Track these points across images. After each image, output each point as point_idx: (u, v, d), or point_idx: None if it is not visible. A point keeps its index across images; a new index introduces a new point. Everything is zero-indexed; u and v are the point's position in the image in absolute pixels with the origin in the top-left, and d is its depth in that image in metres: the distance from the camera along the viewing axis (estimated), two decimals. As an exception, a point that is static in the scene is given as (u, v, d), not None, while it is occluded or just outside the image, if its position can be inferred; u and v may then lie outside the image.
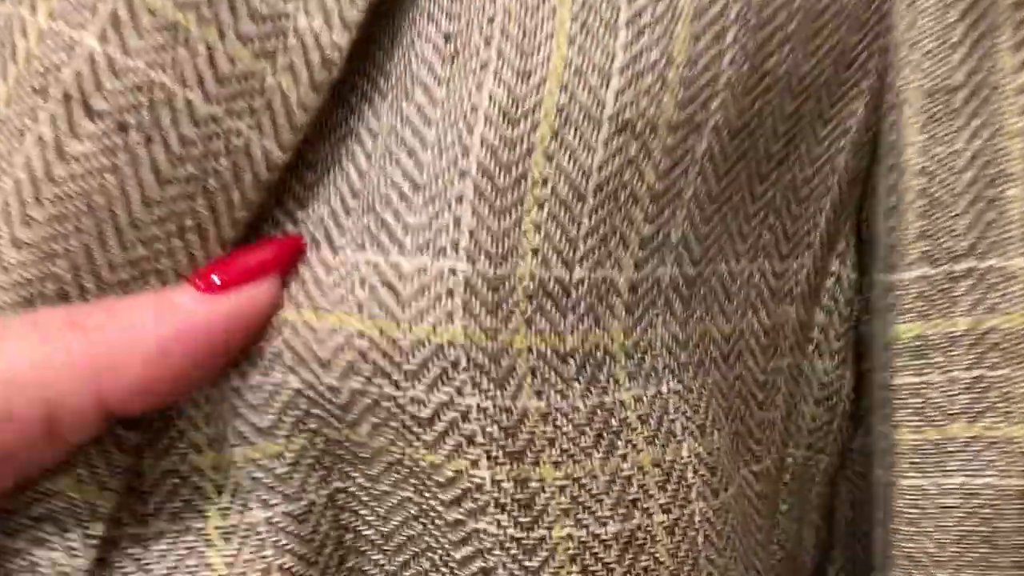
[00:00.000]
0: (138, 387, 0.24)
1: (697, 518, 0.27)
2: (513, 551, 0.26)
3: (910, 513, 0.29)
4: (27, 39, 0.22)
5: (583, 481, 0.26)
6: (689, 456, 0.27)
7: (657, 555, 0.26)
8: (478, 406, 0.25)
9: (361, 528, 0.28)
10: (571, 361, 0.26)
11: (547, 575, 0.26)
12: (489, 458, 0.25)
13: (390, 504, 0.28)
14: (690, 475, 0.27)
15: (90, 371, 0.23)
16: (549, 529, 0.26)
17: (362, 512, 0.28)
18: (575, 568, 0.26)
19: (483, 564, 0.26)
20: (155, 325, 0.24)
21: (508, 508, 0.26)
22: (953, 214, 0.27)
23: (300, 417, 0.26)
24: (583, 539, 0.26)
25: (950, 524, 0.28)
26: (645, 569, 0.26)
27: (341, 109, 0.27)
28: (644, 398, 0.27)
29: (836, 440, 0.32)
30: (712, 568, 0.27)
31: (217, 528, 0.26)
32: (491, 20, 0.25)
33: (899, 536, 0.29)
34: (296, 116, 0.25)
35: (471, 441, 0.25)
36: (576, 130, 0.25)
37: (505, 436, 0.25)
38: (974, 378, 0.27)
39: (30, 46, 0.22)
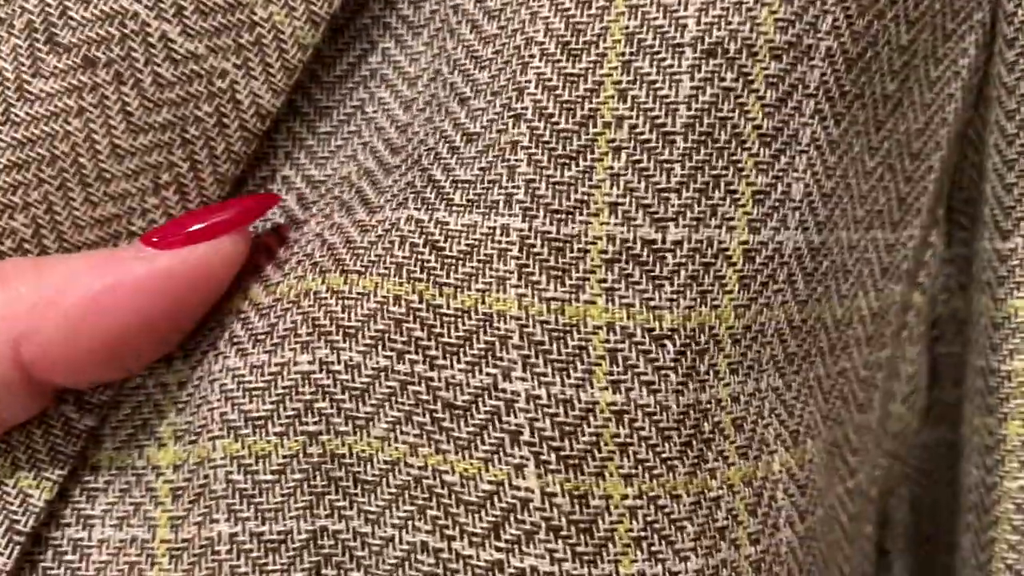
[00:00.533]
0: (61, 349, 0.21)
1: (784, 549, 0.22)
2: None
3: (1017, 519, 0.25)
4: None
5: (661, 502, 0.21)
6: (780, 471, 0.22)
7: None
8: (528, 393, 0.20)
9: None
10: (668, 345, 0.21)
11: None
12: (539, 463, 0.21)
13: (395, 559, 0.22)
14: (780, 496, 0.22)
15: (4, 329, 0.21)
16: (616, 564, 0.21)
17: (351, 571, 0.22)
18: None
19: None
20: (87, 280, 0.22)
21: (564, 534, 0.21)
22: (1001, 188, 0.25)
23: (302, 410, 0.21)
24: None
25: None
26: None
27: (360, 47, 0.24)
28: (742, 397, 0.22)
29: (907, 441, 0.28)
30: None
31: (165, 543, 0.22)
32: None
33: (1001, 545, 0.25)
34: (290, 54, 0.22)
35: (516, 439, 0.20)
36: (653, 58, 0.21)
37: (562, 436, 0.21)
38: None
39: None
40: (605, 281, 0.21)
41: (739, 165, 0.21)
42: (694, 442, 0.21)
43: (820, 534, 0.24)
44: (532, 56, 0.22)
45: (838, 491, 0.25)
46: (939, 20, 0.24)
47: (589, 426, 0.21)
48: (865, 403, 0.26)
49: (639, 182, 0.21)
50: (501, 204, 0.21)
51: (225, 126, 0.22)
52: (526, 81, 0.22)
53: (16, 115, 0.21)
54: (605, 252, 0.21)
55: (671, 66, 0.21)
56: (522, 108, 0.22)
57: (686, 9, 0.21)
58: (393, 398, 0.22)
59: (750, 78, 0.21)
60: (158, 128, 0.22)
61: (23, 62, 0.21)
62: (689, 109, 0.21)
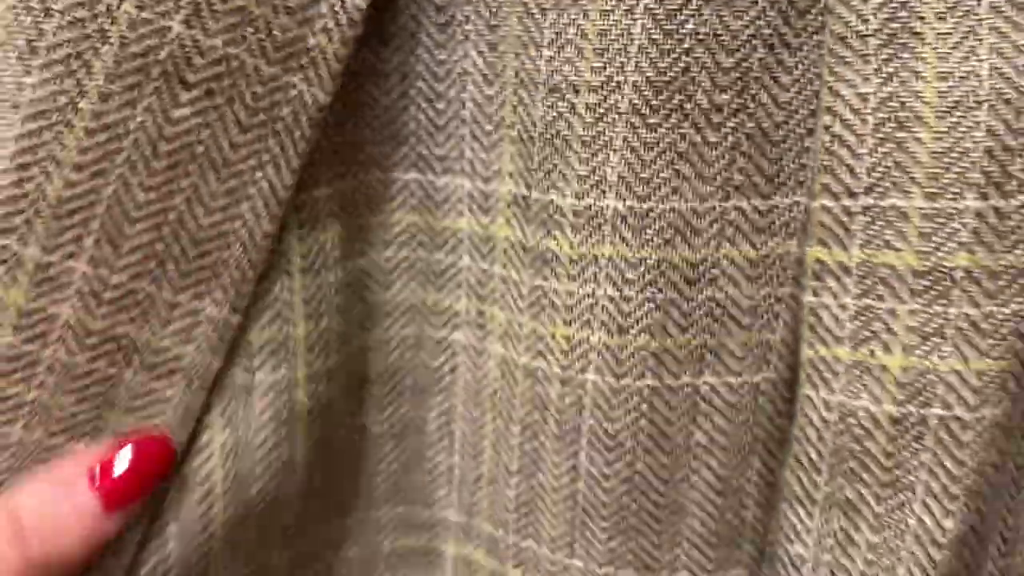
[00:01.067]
0: None
1: None
2: None
3: (802, 420, 0.30)
4: (118, 25, 0.26)
5: None
6: None
7: None
8: None
9: None
10: None
11: None
12: None
13: None
14: None
15: None
16: None
17: None
18: None
19: None
20: None
21: None
22: (857, 153, 0.27)
23: None
24: None
25: (828, 438, 0.29)
26: None
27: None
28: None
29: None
30: None
31: None
32: None
33: (795, 435, 0.30)
34: (333, 67, 0.28)
35: None
36: None
37: None
38: (862, 307, 0.28)
39: (123, 31, 0.26)
40: None
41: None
42: None
43: None
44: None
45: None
46: (773, 39, 0.28)
47: None
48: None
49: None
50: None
51: (299, 121, 0.28)
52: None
53: (167, 134, 0.26)
54: None
55: None
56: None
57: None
58: None
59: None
60: (258, 126, 0.27)
61: (164, 98, 0.26)
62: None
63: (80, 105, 0.25)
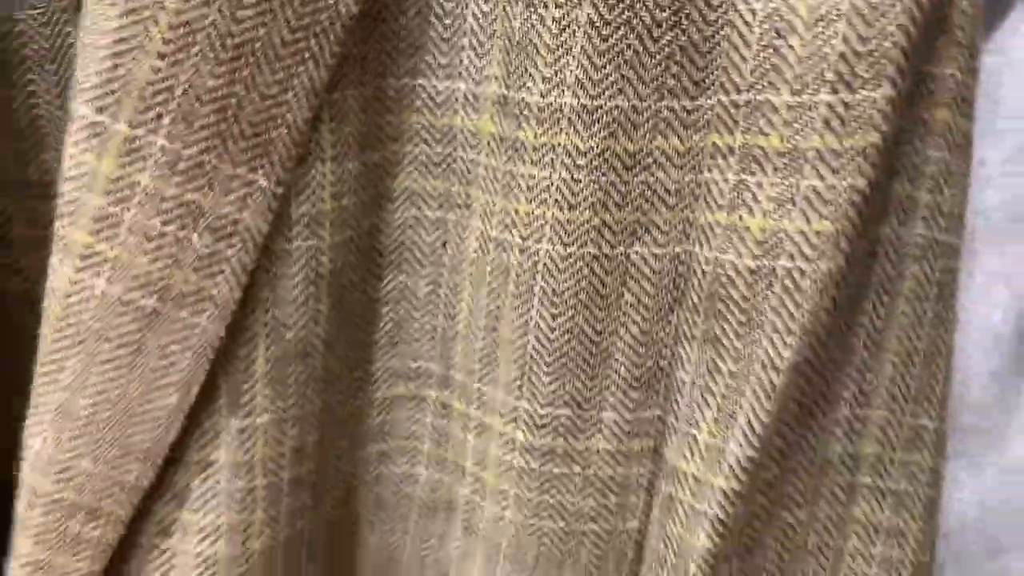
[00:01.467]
0: None
1: None
2: None
3: (689, 274, 0.36)
4: None
5: None
6: None
7: None
8: None
9: None
10: None
11: None
12: None
13: None
14: None
15: None
16: None
17: None
18: None
19: None
20: None
21: None
22: (744, 57, 0.32)
23: None
24: None
25: (705, 286, 0.34)
26: None
27: None
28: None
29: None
30: None
31: None
32: None
33: (685, 287, 0.36)
34: None
35: None
36: None
37: None
38: (738, 181, 0.33)
39: None
40: None
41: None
42: None
43: None
44: None
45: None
46: None
47: None
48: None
49: None
50: None
51: (334, 24, 0.33)
52: None
53: (231, 31, 0.31)
54: None
55: None
56: None
57: None
58: None
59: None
60: (302, 29, 0.32)
61: (232, 3, 0.31)
62: None
63: (165, 4, 0.31)
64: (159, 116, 0.32)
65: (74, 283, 0.33)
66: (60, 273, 0.33)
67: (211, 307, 0.33)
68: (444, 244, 0.39)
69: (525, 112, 0.35)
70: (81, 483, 0.34)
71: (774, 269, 0.32)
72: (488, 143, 0.37)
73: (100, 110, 0.31)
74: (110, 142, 0.31)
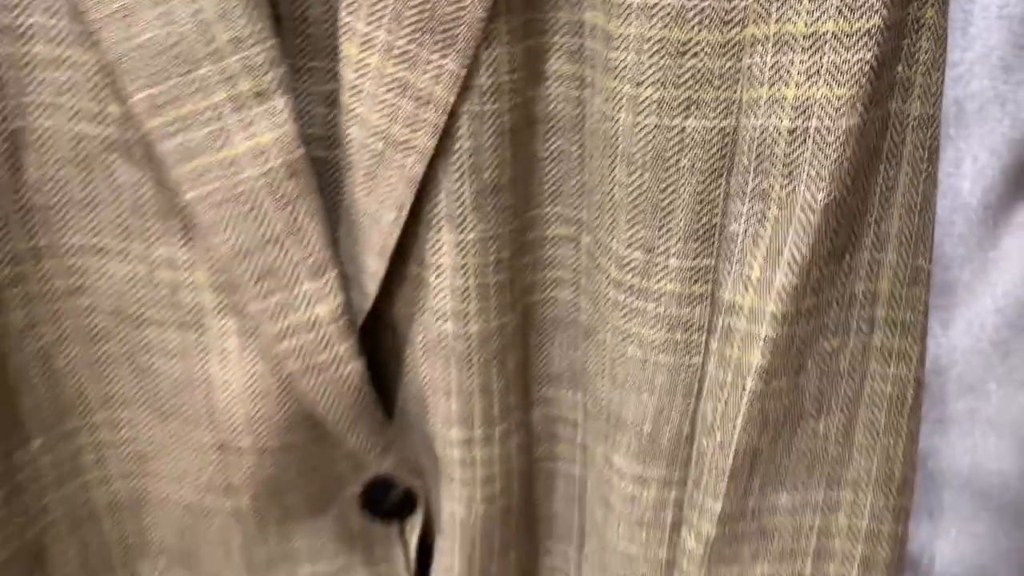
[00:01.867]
0: None
1: None
2: None
3: (740, 140, 0.41)
4: None
5: None
6: None
7: None
8: None
9: None
10: None
11: None
12: None
13: None
14: None
15: None
16: None
17: None
18: None
19: None
20: None
21: None
22: None
23: None
24: None
25: (754, 148, 0.40)
26: None
27: None
28: None
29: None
30: None
31: None
32: None
33: (736, 151, 0.41)
34: None
35: None
36: None
37: None
38: (774, 61, 0.39)
39: None
40: None
41: None
42: None
43: None
44: None
45: None
46: None
47: None
48: None
49: None
50: None
51: None
52: None
53: None
54: None
55: None
56: None
57: None
58: None
59: None
60: None
61: None
62: None
63: None
64: (381, 17, 0.41)
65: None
66: None
67: (415, 152, 0.43)
68: (583, 116, 0.45)
69: (612, 8, 0.40)
70: None
71: (807, 128, 0.38)
72: (599, 34, 0.42)
73: (349, 15, 0.42)
74: (355, 36, 0.42)
